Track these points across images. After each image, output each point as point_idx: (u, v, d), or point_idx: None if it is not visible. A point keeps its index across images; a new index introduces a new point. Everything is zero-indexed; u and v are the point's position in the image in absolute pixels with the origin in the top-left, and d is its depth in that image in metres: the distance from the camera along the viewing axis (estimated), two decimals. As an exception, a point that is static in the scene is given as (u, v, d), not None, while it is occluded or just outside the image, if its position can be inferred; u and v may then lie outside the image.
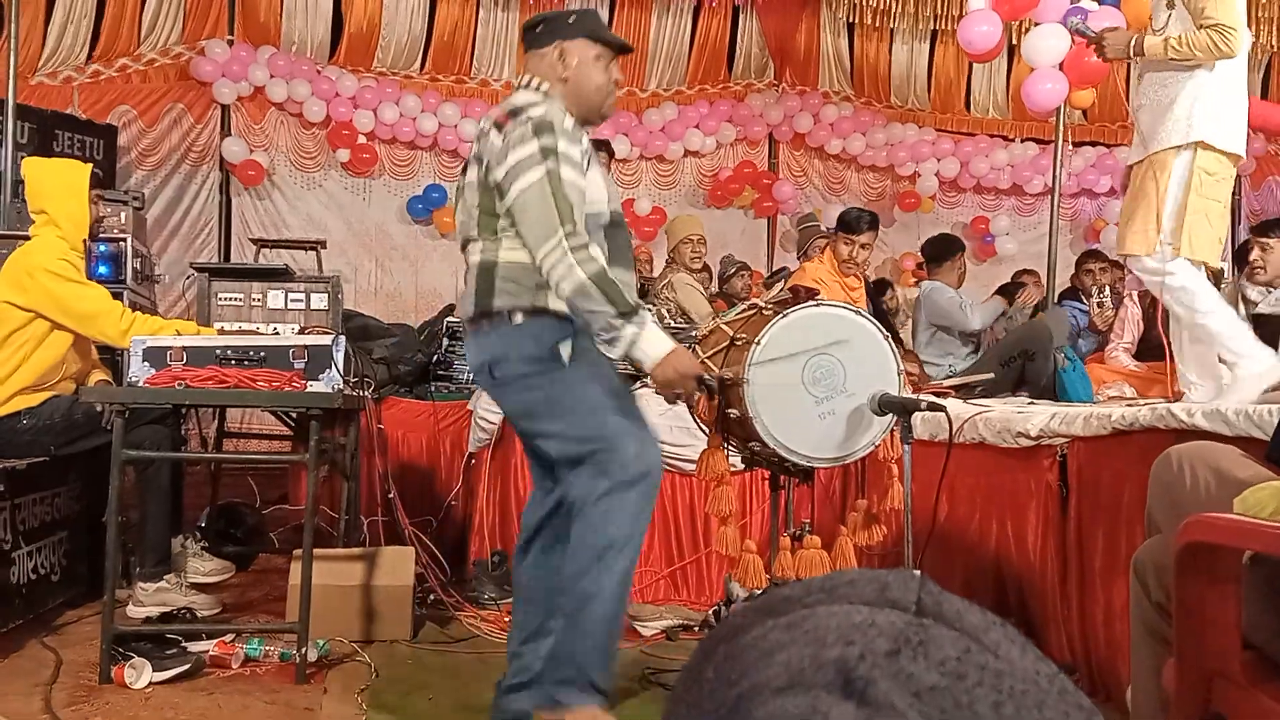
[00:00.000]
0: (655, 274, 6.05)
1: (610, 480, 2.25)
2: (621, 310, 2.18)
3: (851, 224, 4.65)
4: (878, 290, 6.28)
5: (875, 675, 0.33)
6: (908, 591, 0.40)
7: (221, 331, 3.65)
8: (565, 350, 2.30)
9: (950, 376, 4.80)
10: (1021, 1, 4.98)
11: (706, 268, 5.88)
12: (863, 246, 4.68)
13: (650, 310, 4.68)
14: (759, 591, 2.62)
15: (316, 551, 3.06)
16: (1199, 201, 3.15)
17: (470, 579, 3.89)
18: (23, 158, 5.87)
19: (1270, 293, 4.23)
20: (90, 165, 3.70)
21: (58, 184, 3.55)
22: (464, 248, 2.45)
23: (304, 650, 2.84)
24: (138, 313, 3.54)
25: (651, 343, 2.21)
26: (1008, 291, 5.70)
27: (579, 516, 2.29)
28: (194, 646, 2.97)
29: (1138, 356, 4.87)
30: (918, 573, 0.42)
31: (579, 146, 2.31)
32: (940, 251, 5.27)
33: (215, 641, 2.98)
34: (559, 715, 2.31)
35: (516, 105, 2.33)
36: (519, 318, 2.30)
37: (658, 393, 2.36)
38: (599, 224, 2.37)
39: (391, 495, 3.77)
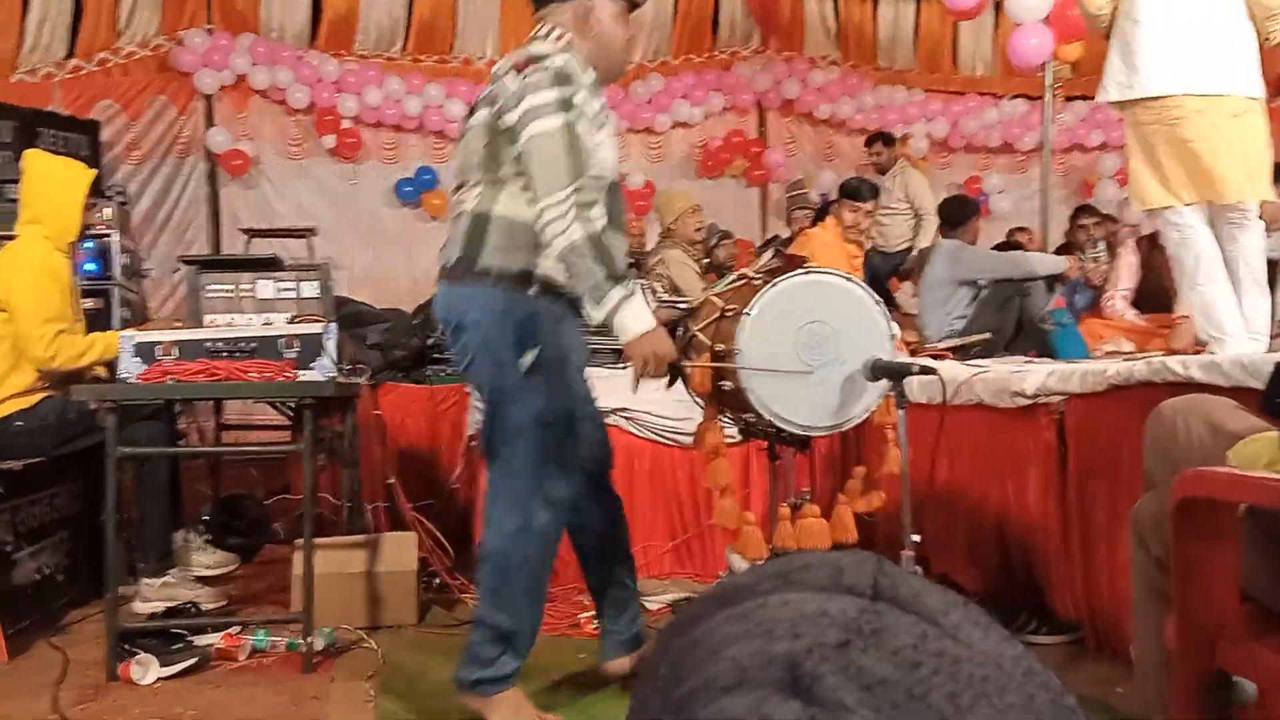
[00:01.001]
0: (648, 248, 6.01)
1: (511, 523, 2.32)
2: (611, 274, 2.14)
3: (857, 192, 4.77)
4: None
5: (823, 670, 0.32)
6: (863, 575, 0.38)
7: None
8: (528, 359, 2.25)
9: (949, 337, 4.78)
10: (1005, -44, 4.92)
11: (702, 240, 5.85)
12: (867, 214, 4.84)
13: (642, 284, 4.67)
14: (760, 561, 2.62)
15: (318, 540, 3.07)
16: (1135, 153, 3.21)
17: (475, 560, 3.88)
18: (6, 157, 5.84)
19: (1268, 237, 4.20)
20: (94, 172, 3.65)
21: (54, 183, 3.51)
22: (457, 190, 2.38)
23: (310, 639, 2.85)
24: (71, 338, 3.45)
25: (634, 315, 2.17)
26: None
27: (485, 550, 2.38)
28: (200, 640, 2.98)
29: (1139, 307, 4.85)
30: (873, 556, 0.41)
31: (596, 103, 2.26)
32: (959, 215, 5.15)
33: (221, 634, 2.99)
34: None
35: (537, 53, 2.27)
36: (500, 285, 2.25)
37: (631, 367, 2.32)
38: (601, 186, 2.31)
39: (391, 481, 3.77)
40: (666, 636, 0.40)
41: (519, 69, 2.25)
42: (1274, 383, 1.70)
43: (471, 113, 2.40)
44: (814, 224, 5.76)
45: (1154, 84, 3.12)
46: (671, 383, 2.33)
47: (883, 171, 6.74)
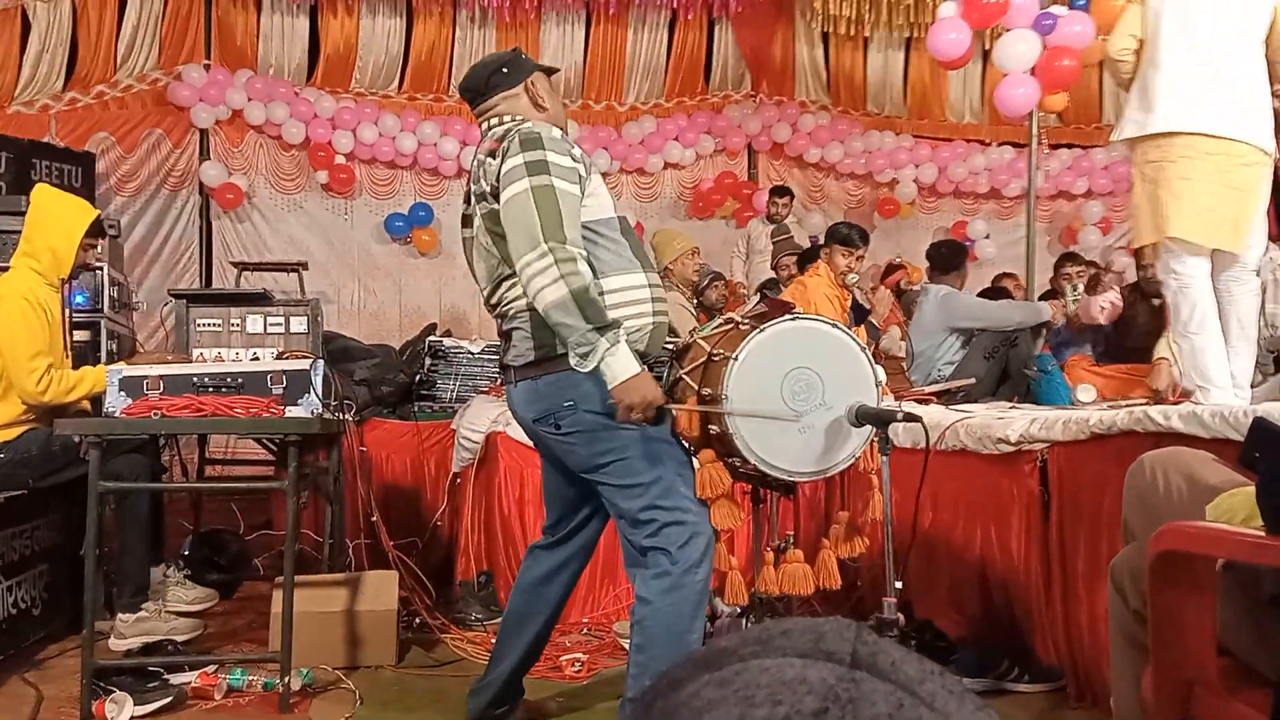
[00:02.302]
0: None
1: (673, 563, 2.28)
2: (597, 325, 2.17)
3: (850, 238, 4.76)
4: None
5: None
6: (842, 642, 0.39)
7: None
8: None
9: (935, 382, 4.80)
10: (991, 9, 5.01)
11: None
12: (859, 259, 4.84)
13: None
14: (737, 609, 2.61)
15: (299, 578, 3.04)
16: (1140, 191, 3.19)
17: (456, 600, 3.86)
18: (0, 188, 5.86)
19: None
20: (96, 212, 3.66)
21: (54, 220, 3.52)
22: (492, 296, 2.40)
23: (287, 679, 2.82)
24: (62, 372, 3.45)
25: (620, 362, 2.19)
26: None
27: (648, 610, 2.30)
28: (176, 678, 2.95)
29: (1114, 359, 4.88)
30: (854, 623, 0.42)
31: (570, 156, 2.30)
32: (950, 261, 5.16)
33: (198, 673, 2.96)
34: None
35: (503, 131, 2.35)
36: None
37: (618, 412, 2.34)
38: (613, 228, 2.36)
39: (374, 519, 3.75)
40: (651, 698, 0.40)
41: (493, 152, 2.32)
42: (1252, 436, 1.71)
43: (466, 222, 2.45)
44: (801, 268, 5.79)
45: (1167, 121, 3.10)
46: (658, 424, 2.34)
47: (775, 222, 7.14)
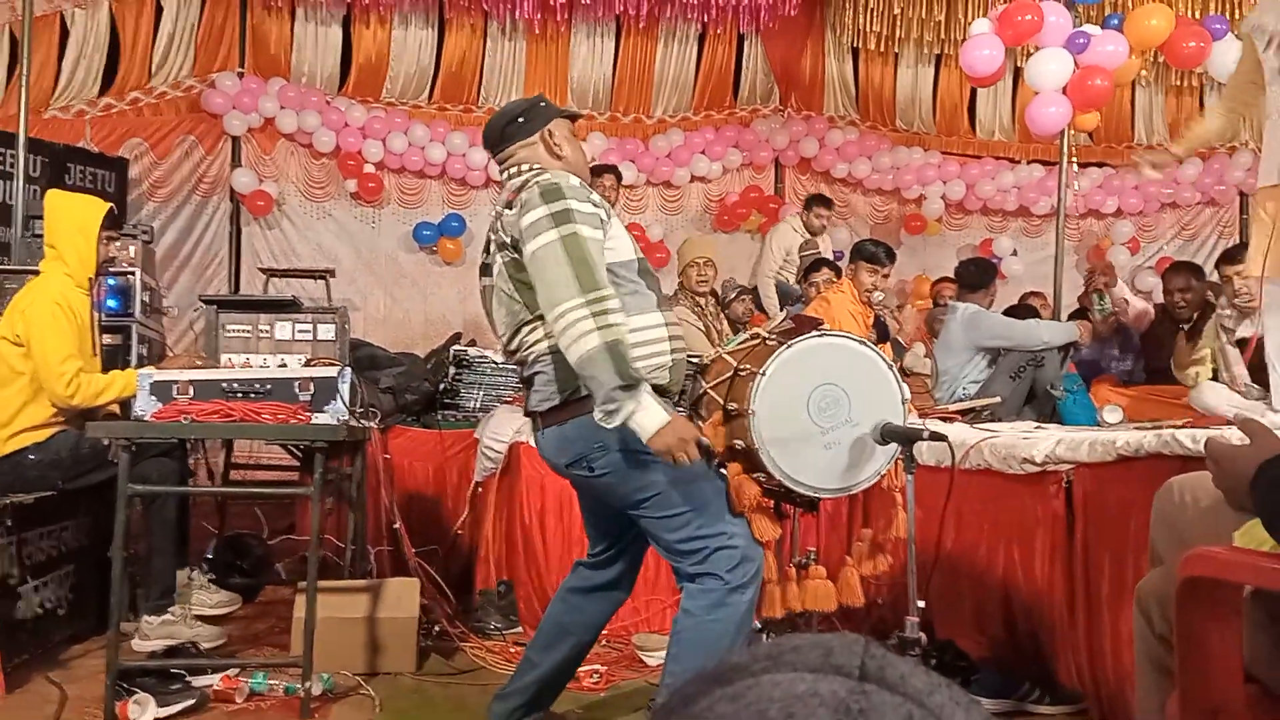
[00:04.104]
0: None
1: (723, 584, 2.30)
2: (621, 384, 2.14)
3: (876, 256, 4.75)
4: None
5: None
6: (851, 656, 0.40)
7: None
8: None
9: (960, 400, 4.77)
10: (1024, 26, 4.99)
11: (714, 293, 5.82)
12: (884, 277, 4.86)
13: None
14: (757, 625, 2.60)
15: (321, 584, 3.06)
16: None
17: (476, 609, 3.87)
18: (34, 192, 5.96)
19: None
20: (108, 205, 3.70)
21: (70, 221, 3.59)
22: (511, 342, 2.41)
23: (308, 684, 2.83)
24: (91, 376, 3.49)
25: (648, 416, 2.17)
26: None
27: (690, 623, 2.32)
28: (199, 681, 2.97)
29: (1146, 380, 4.83)
30: (861, 638, 0.42)
31: (590, 202, 2.30)
32: (979, 279, 5.14)
33: (220, 676, 2.98)
34: None
35: (520, 182, 2.36)
36: None
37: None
38: (632, 270, 2.36)
39: (397, 526, 3.77)
40: (665, 714, 0.41)
41: (510, 203, 2.33)
42: None
43: (485, 270, 2.47)
44: (805, 276, 5.81)
45: None
46: (710, 459, 2.36)
47: (813, 234, 7.08)
